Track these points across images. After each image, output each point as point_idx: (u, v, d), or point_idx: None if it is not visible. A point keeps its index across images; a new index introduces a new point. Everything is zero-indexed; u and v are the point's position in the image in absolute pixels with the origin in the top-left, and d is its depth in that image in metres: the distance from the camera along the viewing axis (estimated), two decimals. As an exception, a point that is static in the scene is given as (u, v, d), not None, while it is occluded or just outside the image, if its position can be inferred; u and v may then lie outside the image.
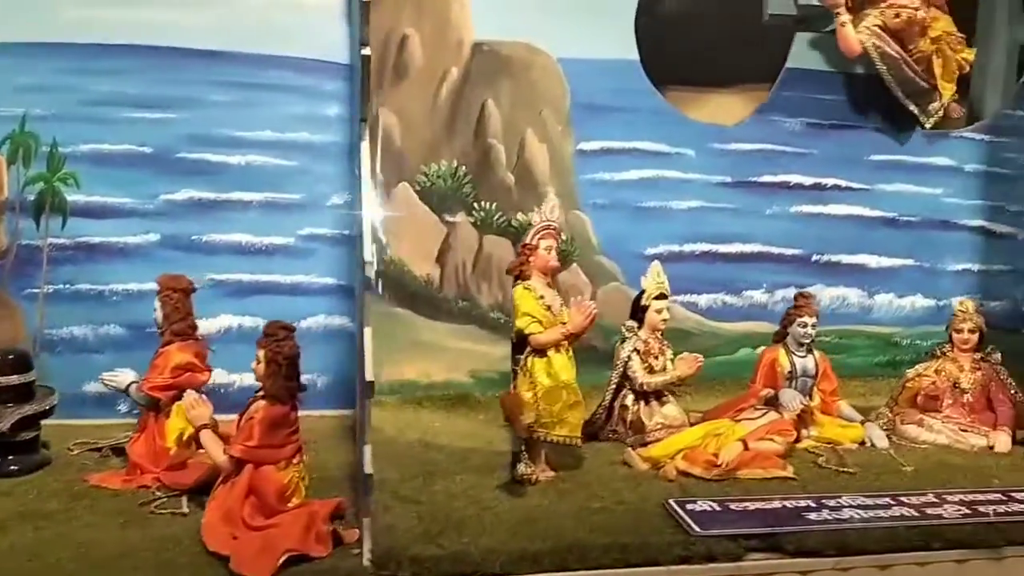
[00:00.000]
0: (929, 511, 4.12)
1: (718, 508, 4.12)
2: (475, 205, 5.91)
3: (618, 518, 4.03)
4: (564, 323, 4.40)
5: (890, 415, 5.40)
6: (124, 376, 4.58)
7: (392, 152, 5.78)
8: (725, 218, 6.26)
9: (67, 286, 5.46)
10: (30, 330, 5.44)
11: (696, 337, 6.30)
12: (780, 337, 5.33)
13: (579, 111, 5.99)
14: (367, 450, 3.65)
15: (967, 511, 4.13)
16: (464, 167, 5.89)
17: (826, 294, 6.43)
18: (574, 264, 6.07)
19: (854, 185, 6.42)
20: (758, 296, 6.37)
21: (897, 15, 6.22)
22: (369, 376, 3.68)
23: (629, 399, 5.05)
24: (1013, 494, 4.33)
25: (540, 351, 4.39)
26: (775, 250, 6.36)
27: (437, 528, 3.86)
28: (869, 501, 4.21)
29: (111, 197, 5.48)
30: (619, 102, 6.02)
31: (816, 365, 5.28)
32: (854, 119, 6.36)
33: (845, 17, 6.12)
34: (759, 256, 6.34)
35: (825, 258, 6.44)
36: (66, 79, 5.34)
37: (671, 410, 5.05)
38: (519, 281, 4.50)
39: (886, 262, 6.53)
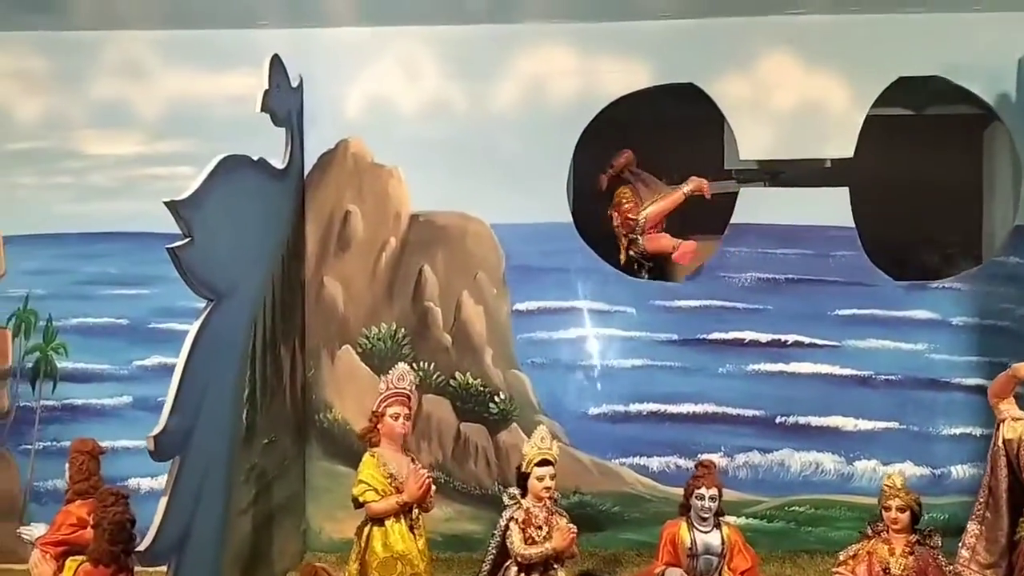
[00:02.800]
0: None
1: None
2: (414, 365, 6.11)
3: None
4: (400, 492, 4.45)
5: (825, 601, 4.86)
6: (36, 531, 5.09)
7: (336, 317, 6.19)
8: (674, 377, 6.04)
9: (55, 443, 6.21)
10: (23, 483, 6.20)
11: (648, 503, 6.02)
12: (684, 510, 4.99)
13: (514, 273, 6.13)
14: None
15: None
16: (403, 329, 6.16)
17: (796, 459, 5.97)
18: (514, 424, 6.08)
19: (818, 341, 6.00)
20: (717, 460, 5.97)
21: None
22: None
23: (512, 571, 4.90)
24: None
25: (378, 520, 4.44)
26: (732, 411, 6.01)
27: None
28: None
29: (93, 364, 6.26)
30: (554, 263, 6.11)
31: (723, 541, 4.88)
32: (814, 272, 6.02)
33: None
34: (714, 417, 6.02)
35: (792, 420, 5.99)
36: (61, 263, 6.27)
37: (558, 584, 4.85)
38: (368, 448, 4.62)
39: (864, 425, 5.95)
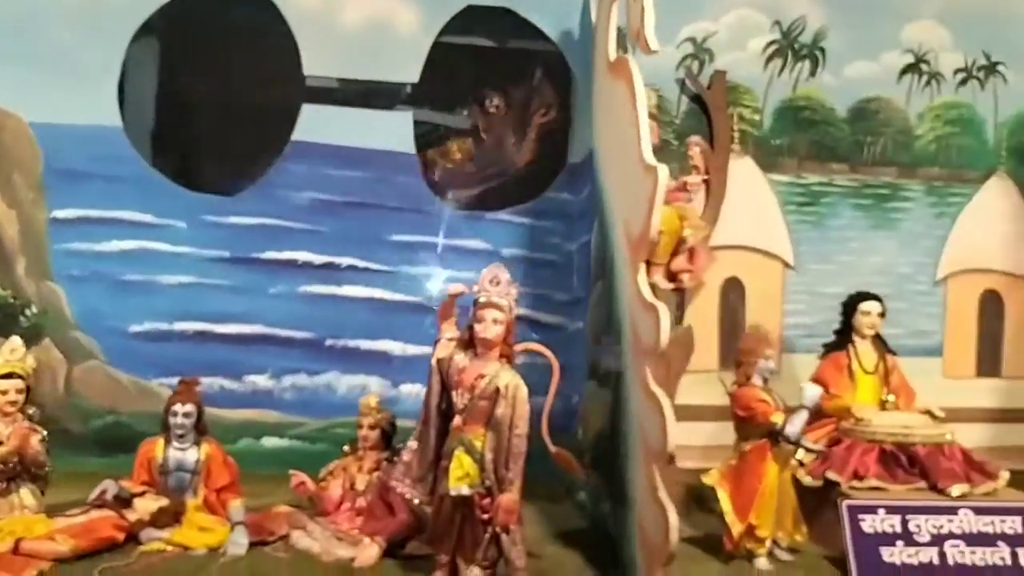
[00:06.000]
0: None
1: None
2: (-70, 275, 5.62)
3: None
4: None
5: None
6: None
7: None
8: (223, 296, 5.85)
9: None
10: None
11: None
12: (164, 428, 4.82)
13: (54, 177, 5.71)
14: None
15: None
16: (-74, 234, 5.63)
17: (343, 382, 5.95)
18: (46, 340, 5.71)
19: (373, 266, 5.98)
20: (263, 382, 5.89)
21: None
22: None
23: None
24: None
25: None
26: (282, 332, 5.90)
27: None
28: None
29: None
30: (101, 170, 5.74)
31: (199, 460, 4.76)
32: (372, 196, 5.97)
33: None
34: (263, 338, 5.89)
35: (342, 343, 5.97)
36: None
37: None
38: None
39: (413, 350, 5.98)
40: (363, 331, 5.96)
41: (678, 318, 6.12)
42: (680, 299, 6.19)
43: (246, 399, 5.87)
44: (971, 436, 6.21)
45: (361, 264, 5.97)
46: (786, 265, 6.31)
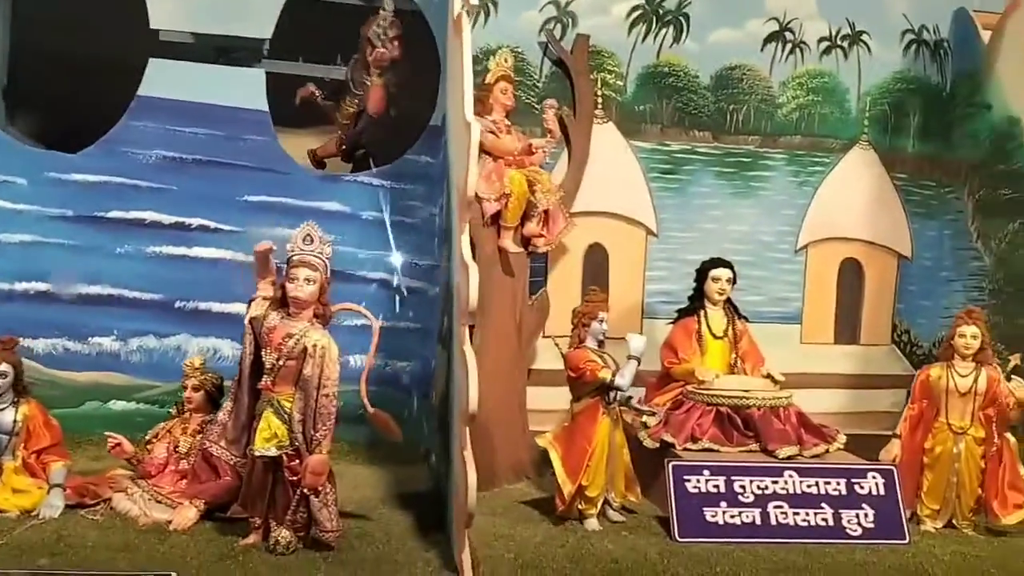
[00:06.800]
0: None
1: None
2: None
3: None
4: None
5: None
6: None
7: None
8: (66, 255, 5.67)
9: None
10: None
11: (35, 388, 5.65)
12: (-13, 391, 4.67)
13: None
14: None
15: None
16: None
17: (194, 345, 5.83)
18: None
19: (224, 226, 5.84)
20: (108, 344, 5.75)
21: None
22: None
23: None
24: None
25: None
26: (129, 293, 5.75)
27: None
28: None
29: None
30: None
31: (16, 421, 4.61)
32: (223, 155, 5.84)
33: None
34: (108, 299, 5.73)
35: (192, 305, 5.83)
36: None
37: None
38: None
39: (266, 312, 5.91)
40: (214, 293, 5.82)
41: (541, 283, 6.15)
42: (544, 265, 6.22)
43: (91, 361, 5.71)
44: (828, 402, 6.39)
45: (212, 224, 5.82)
46: (649, 232, 6.33)
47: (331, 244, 4.19)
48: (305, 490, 4.01)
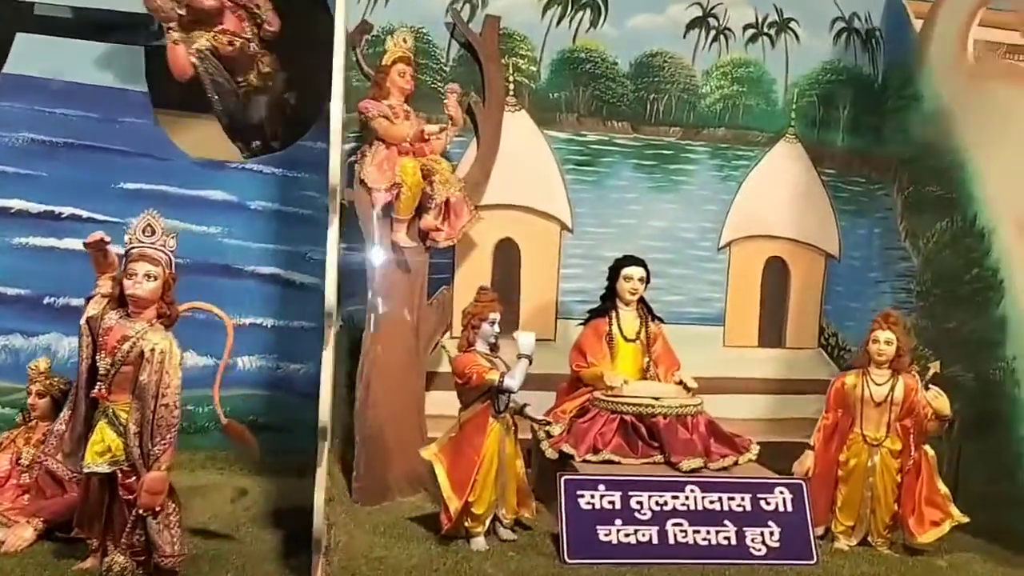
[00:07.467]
0: None
1: None
2: None
3: None
4: None
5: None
6: None
7: None
8: (-79, 247, 5.22)
9: None
10: None
11: None
12: None
13: None
14: None
15: None
16: None
17: (65, 344, 5.38)
18: None
19: (99, 216, 5.37)
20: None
21: (231, 43, 5.35)
22: None
23: None
24: None
25: None
26: (-6, 289, 5.32)
27: None
28: None
29: None
30: None
31: None
32: (98, 139, 5.39)
33: (177, 35, 5.22)
34: (-30, 295, 5.30)
35: (62, 301, 5.37)
36: None
37: None
38: None
39: (150, 311, 5.48)
40: (86, 288, 5.26)
41: (446, 280, 5.78)
42: (451, 261, 5.84)
43: (-47, 363, 5.27)
44: (751, 408, 6.09)
45: (84, 214, 5.36)
46: (563, 227, 5.96)
47: (175, 236, 3.79)
48: (141, 511, 3.61)
